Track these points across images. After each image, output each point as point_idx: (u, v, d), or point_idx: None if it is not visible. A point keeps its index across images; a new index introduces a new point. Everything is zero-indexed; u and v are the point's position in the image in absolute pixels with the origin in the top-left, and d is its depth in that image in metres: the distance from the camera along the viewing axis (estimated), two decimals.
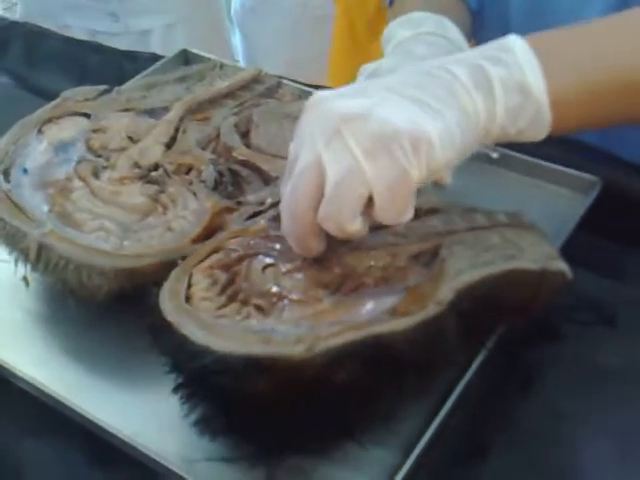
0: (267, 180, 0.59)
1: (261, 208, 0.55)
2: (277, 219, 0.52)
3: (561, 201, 0.64)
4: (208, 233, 0.53)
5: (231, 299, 0.46)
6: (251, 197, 0.56)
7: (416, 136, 0.42)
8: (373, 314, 0.44)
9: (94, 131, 0.62)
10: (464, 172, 0.67)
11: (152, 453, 0.46)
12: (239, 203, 0.56)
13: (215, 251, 0.50)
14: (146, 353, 0.46)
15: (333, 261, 0.48)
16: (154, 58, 0.86)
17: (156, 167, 0.59)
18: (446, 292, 0.45)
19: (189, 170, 0.58)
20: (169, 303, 0.45)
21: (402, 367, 0.43)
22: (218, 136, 0.62)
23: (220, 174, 0.58)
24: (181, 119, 0.63)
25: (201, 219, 0.54)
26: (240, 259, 0.49)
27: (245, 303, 0.46)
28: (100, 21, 1.23)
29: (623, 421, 0.48)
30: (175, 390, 0.45)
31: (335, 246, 0.49)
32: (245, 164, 0.60)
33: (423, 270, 0.48)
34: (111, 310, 0.53)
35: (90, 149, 0.60)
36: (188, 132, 0.62)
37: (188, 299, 0.46)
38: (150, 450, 0.46)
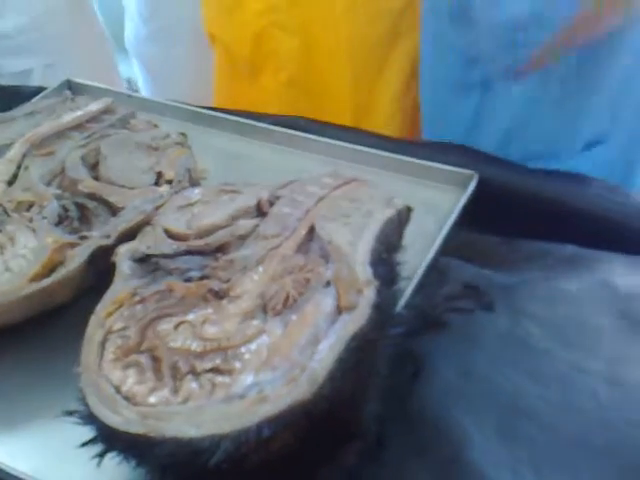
0: (115, 212, 0.57)
1: (107, 242, 0.54)
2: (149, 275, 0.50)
3: (442, 196, 0.66)
4: (48, 270, 0.51)
5: (176, 377, 0.41)
6: (95, 232, 0.54)
7: None
8: (327, 319, 0.42)
9: None
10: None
11: None
12: (82, 237, 0.54)
13: (104, 344, 0.45)
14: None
15: (236, 291, 0.46)
16: (39, 91, 0.82)
17: None
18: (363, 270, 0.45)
19: (31, 207, 0.56)
20: (132, 415, 0.39)
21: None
22: (64, 170, 0.60)
23: (65, 209, 0.56)
24: (24, 155, 0.61)
25: (40, 256, 0.52)
26: (142, 333, 0.44)
27: (196, 374, 0.41)
28: None
29: (506, 400, 0.50)
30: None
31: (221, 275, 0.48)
32: (92, 197, 0.58)
33: (318, 259, 0.47)
34: None
35: None
36: (31, 168, 0.60)
37: (128, 400, 0.41)
38: None
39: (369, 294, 0.43)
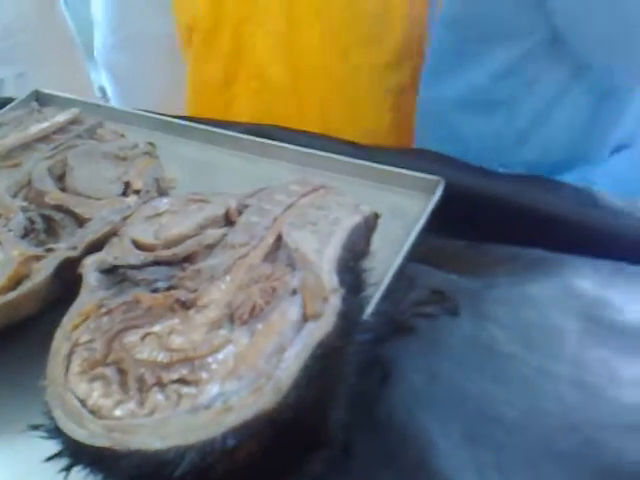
0: (82, 223, 0.57)
1: (73, 254, 0.53)
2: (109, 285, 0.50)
3: (409, 202, 0.67)
4: (14, 283, 0.51)
5: (142, 389, 0.41)
6: (62, 244, 0.54)
7: None
8: (293, 327, 0.42)
9: None
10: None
11: None
12: (49, 250, 0.53)
13: (70, 356, 0.44)
14: None
15: (203, 300, 0.46)
16: (8, 102, 0.81)
17: None
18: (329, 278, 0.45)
19: None
20: (97, 429, 0.39)
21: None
22: (30, 182, 0.60)
23: (31, 221, 0.56)
24: None
25: (6, 269, 0.51)
26: (108, 345, 0.44)
27: (162, 385, 0.41)
28: None
29: (471, 405, 0.50)
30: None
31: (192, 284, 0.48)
32: (59, 208, 0.58)
33: (284, 267, 0.48)
34: None
35: None
36: None
37: (94, 413, 0.40)
38: None
39: (335, 302, 0.43)
